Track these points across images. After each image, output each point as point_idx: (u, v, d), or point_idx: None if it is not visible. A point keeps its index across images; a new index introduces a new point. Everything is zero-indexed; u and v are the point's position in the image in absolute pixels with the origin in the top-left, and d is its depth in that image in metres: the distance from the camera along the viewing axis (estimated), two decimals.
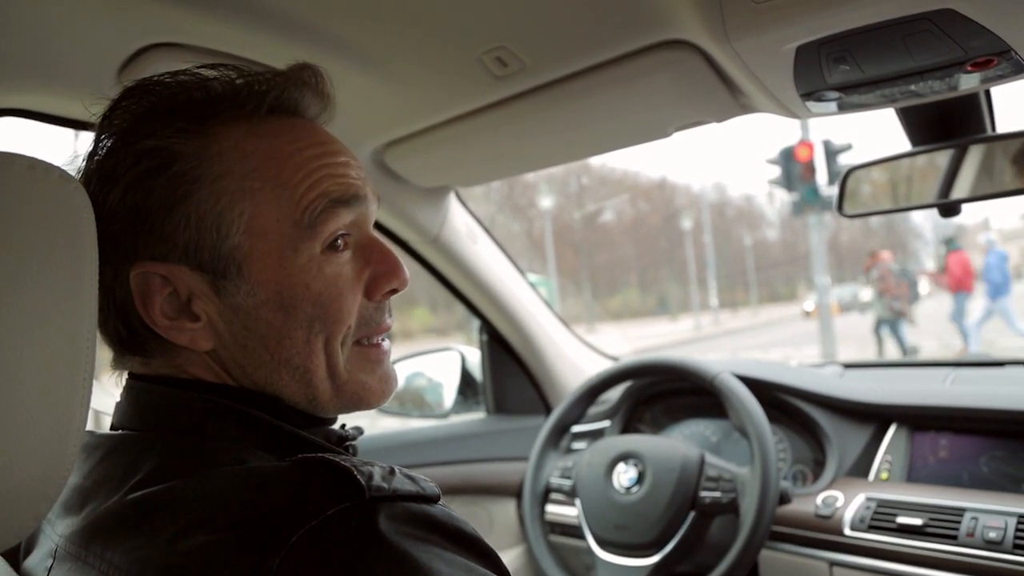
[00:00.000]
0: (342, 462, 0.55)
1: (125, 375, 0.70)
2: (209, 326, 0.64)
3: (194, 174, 0.63)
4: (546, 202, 29.67)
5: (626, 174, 58.31)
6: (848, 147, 11.19)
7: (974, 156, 1.25)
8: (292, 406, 0.67)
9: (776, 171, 11.93)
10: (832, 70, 0.99)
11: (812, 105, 1.11)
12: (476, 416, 2.17)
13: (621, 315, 46.83)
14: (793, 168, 11.57)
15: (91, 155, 0.67)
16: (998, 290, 11.90)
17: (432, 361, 2.20)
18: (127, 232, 0.63)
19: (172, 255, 0.63)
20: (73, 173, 0.60)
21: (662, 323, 40.66)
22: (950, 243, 14.16)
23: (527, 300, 2.02)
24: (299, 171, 0.65)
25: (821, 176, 11.35)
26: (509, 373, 2.13)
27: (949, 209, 1.32)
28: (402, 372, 2.15)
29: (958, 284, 12.77)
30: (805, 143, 11.38)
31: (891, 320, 12.57)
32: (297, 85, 0.68)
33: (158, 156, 0.63)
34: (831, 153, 11.27)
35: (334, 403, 0.69)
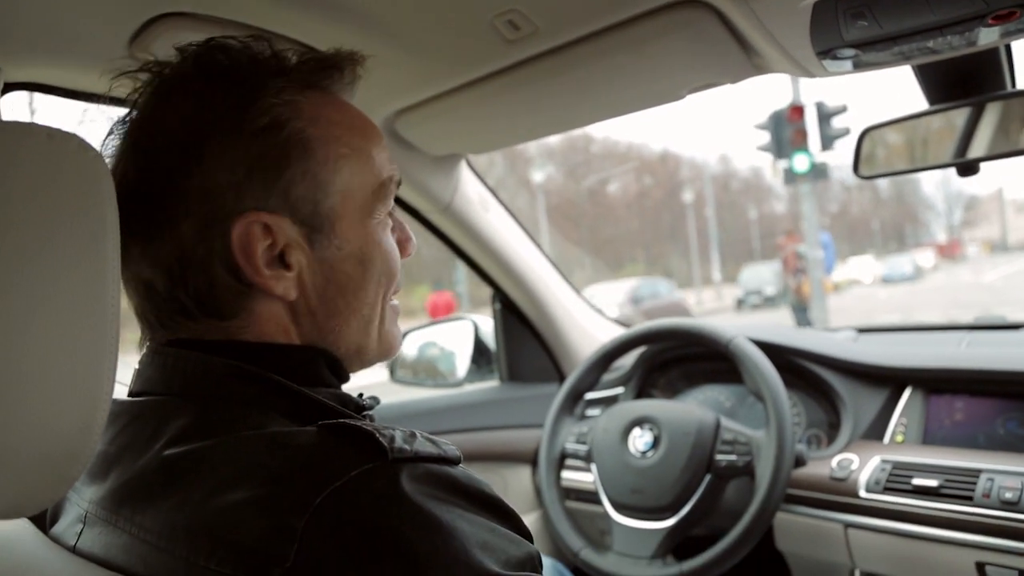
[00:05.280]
0: (364, 426, 0.56)
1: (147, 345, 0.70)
2: (298, 276, 0.67)
3: (308, 133, 0.67)
4: (538, 176, 29.43)
5: (631, 147, 58.09)
6: (843, 109, 10.24)
7: (992, 114, 1.24)
8: (339, 358, 0.72)
9: (766, 137, 10.72)
10: (849, 26, 0.97)
11: (828, 64, 1.10)
12: (490, 384, 2.18)
13: None
14: (783, 133, 10.45)
15: (165, 108, 0.67)
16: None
17: (445, 331, 2.21)
18: (235, 183, 0.64)
19: (281, 207, 0.65)
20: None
21: None
22: (437, 285, 18.58)
23: (540, 268, 2.02)
24: (373, 146, 0.72)
25: (814, 142, 10.28)
26: (522, 341, 2.13)
27: (967, 168, 1.30)
28: (415, 342, 2.17)
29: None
30: (796, 107, 10.32)
31: (796, 305, 13.59)
32: (354, 73, 0.74)
33: (283, 112, 0.66)
34: (824, 116, 10.27)
35: (374, 352, 0.75)
